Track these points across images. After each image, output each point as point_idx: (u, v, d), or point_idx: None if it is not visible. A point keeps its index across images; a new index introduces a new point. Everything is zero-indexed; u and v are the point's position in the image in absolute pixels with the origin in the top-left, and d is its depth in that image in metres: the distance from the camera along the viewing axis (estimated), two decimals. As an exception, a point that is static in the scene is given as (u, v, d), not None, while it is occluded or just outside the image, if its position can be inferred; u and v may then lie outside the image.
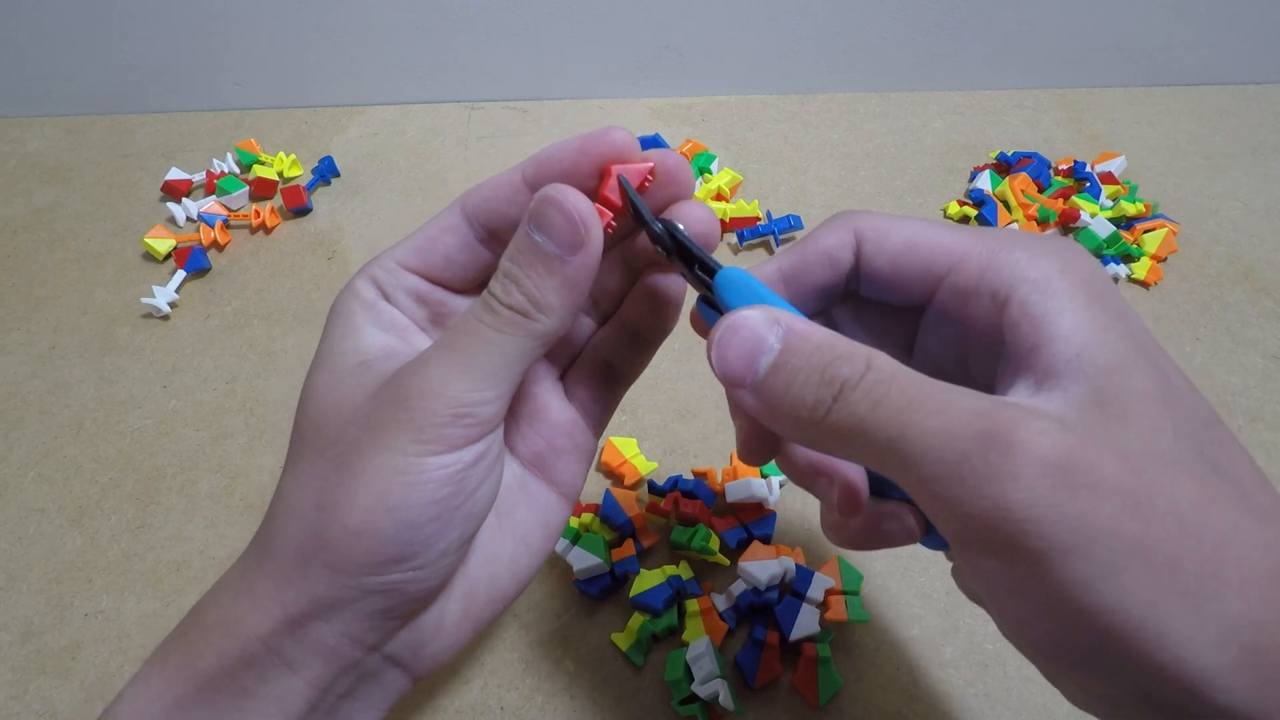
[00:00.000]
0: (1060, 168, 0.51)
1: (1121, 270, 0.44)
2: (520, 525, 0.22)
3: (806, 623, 0.30)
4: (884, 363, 0.16)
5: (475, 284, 0.22)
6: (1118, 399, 0.15)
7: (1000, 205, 0.47)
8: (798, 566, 0.32)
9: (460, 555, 0.20)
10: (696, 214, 0.21)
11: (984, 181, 0.49)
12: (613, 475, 0.36)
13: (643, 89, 0.59)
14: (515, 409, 0.23)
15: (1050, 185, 0.49)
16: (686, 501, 0.34)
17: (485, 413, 0.19)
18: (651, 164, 0.20)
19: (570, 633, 0.32)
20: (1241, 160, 0.52)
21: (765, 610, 0.32)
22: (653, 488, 0.35)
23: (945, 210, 0.49)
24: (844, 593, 0.31)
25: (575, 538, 0.33)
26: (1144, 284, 0.44)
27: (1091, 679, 0.15)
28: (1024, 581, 0.14)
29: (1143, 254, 0.45)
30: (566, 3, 0.54)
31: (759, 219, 0.47)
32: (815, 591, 0.31)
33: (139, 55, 0.56)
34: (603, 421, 0.24)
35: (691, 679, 0.29)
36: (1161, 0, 0.54)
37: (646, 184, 0.21)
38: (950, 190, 0.50)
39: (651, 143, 0.52)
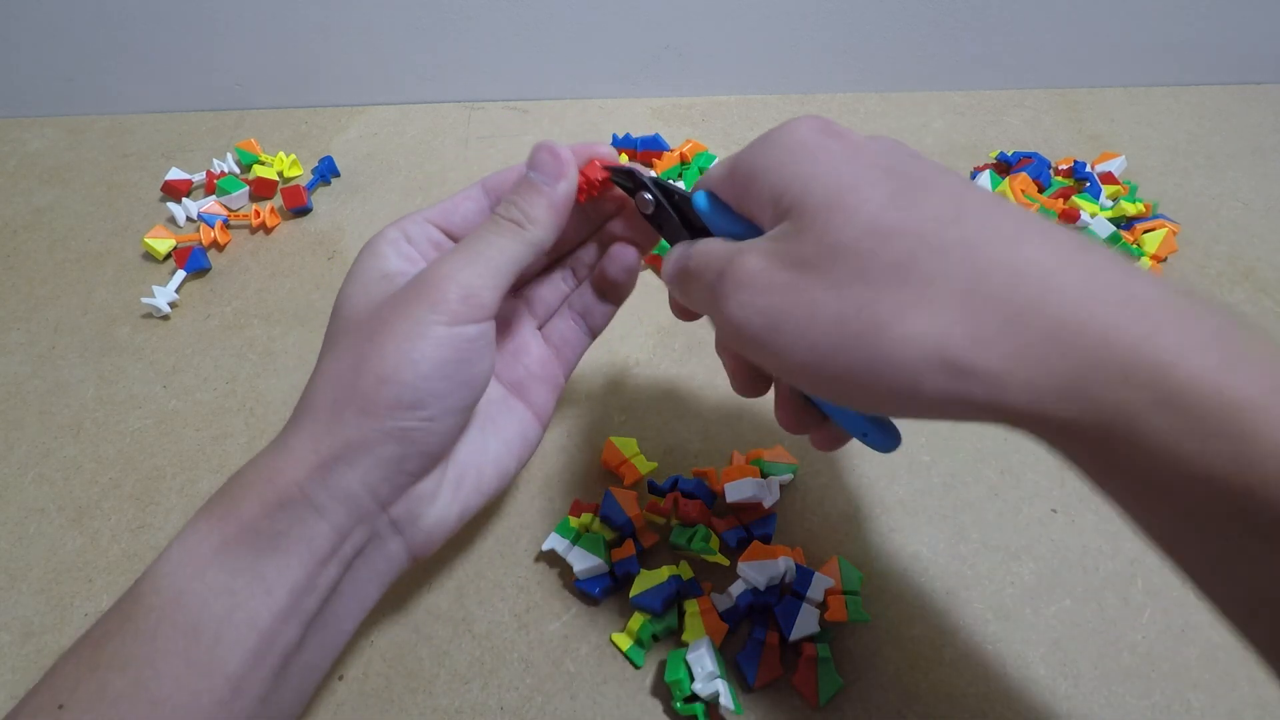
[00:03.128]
0: (1060, 168, 0.51)
1: (1121, 270, 0.44)
2: (502, 430, 0.29)
3: (806, 623, 0.30)
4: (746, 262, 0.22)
5: None
6: (801, 219, 0.20)
7: (1000, 205, 0.47)
8: (798, 566, 0.32)
9: (461, 419, 0.25)
10: (620, 253, 0.30)
11: (984, 181, 0.49)
12: (613, 475, 0.36)
13: (643, 89, 0.59)
14: (502, 345, 0.30)
15: (1050, 185, 0.49)
16: (686, 501, 0.34)
17: (485, 298, 0.24)
18: (626, 167, 0.28)
19: (570, 633, 0.32)
20: (1241, 160, 0.52)
21: (765, 610, 0.32)
22: (653, 488, 0.35)
23: (945, 210, 0.49)
24: (844, 593, 0.31)
25: (575, 538, 0.33)
26: (1144, 284, 0.44)
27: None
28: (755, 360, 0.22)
29: (1143, 254, 0.45)
30: (566, 3, 0.54)
31: (759, 219, 0.47)
32: (815, 591, 0.31)
33: (139, 55, 0.56)
34: (571, 364, 0.31)
35: (691, 679, 0.29)
36: (1161, 0, 0.54)
37: (609, 184, 0.28)
38: (950, 190, 0.50)
39: (652, 142, 0.52)
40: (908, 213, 0.19)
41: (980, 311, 0.17)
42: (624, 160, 0.25)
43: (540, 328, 0.31)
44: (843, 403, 0.21)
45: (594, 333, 0.32)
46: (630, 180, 0.28)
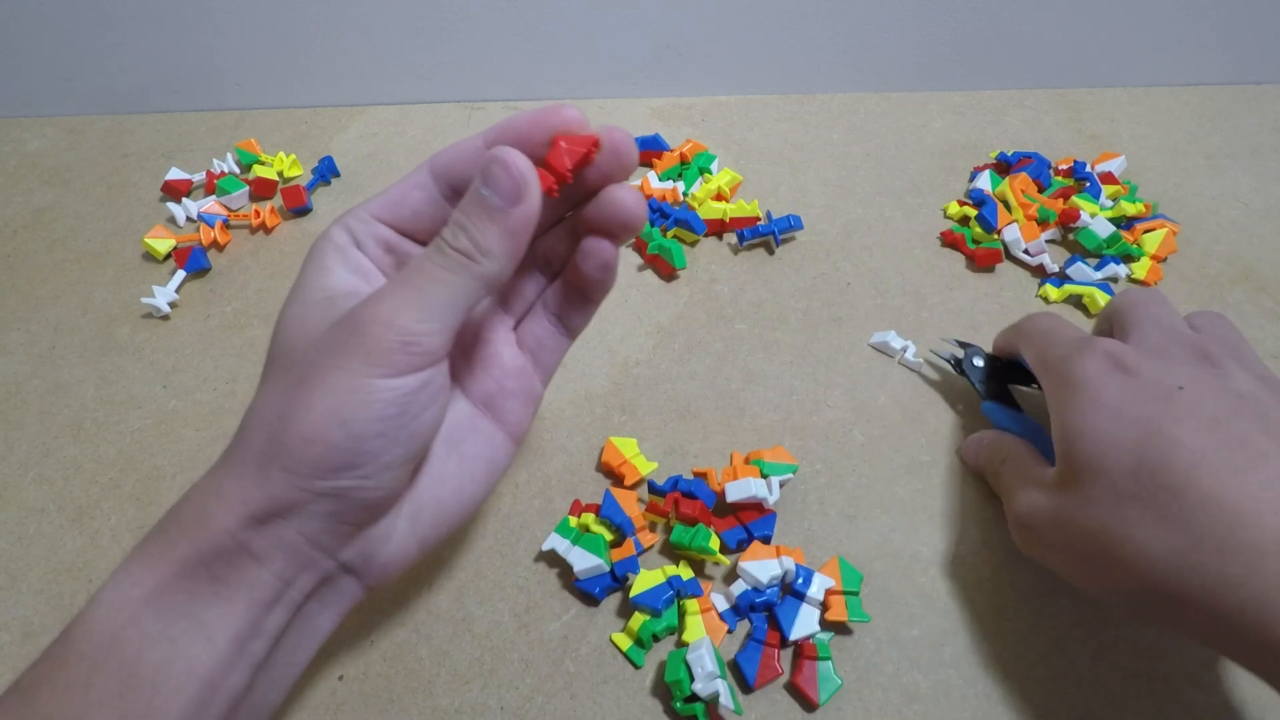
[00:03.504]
0: (1060, 168, 0.51)
1: (1121, 270, 0.44)
2: (467, 457, 0.26)
3: (806, 623, 0.30)
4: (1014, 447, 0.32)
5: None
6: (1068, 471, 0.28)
7: (1000, 205, 0.47)
8: (798, 566, 0.32)
9: (405, 471, 0.23)
10: (626, 197, 0.24)
11: (984, 181, 0.49)
12: (613, 475, 0.36)
13: (643, 89, 0.59)
14: (470, 353, 0.27)
15: (1050, 185, 0.49)
16: (686, 501, 0.34)
17: (430, 344, 0.21)
18: (595, 137, 0.23)
19: (570, 633, 0.32)
20: (1241, 160, 0.52)
21: (765, 610, 0.32)
22: (653, 488, 0.35)
23: (945, 210, 0.49)
24: (844, 593, 0.31)
25: (575, 538, 0.33)
26: (1144, 284, 0.44)
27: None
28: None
29: (1143, 254, 0.45)
30: (566, 3, 0.54)
31: (759, 219, 0.47)
32: (815, 591, 0.31)
33: (139, 55, 0.56)
34: (550, 370, 0.28)
35: (691, 679, 0.29)
36: (1161, 0, 0.54)
37: (590, 157, 0.23)
38: (950, 190, 0.50)
39: (651, 142, 0.52)
40: (1144, 487, 0.25)
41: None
42: (594, 133, 0.24)
43: (515, 327, 0.28)
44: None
45: (573, 334, 0.28)
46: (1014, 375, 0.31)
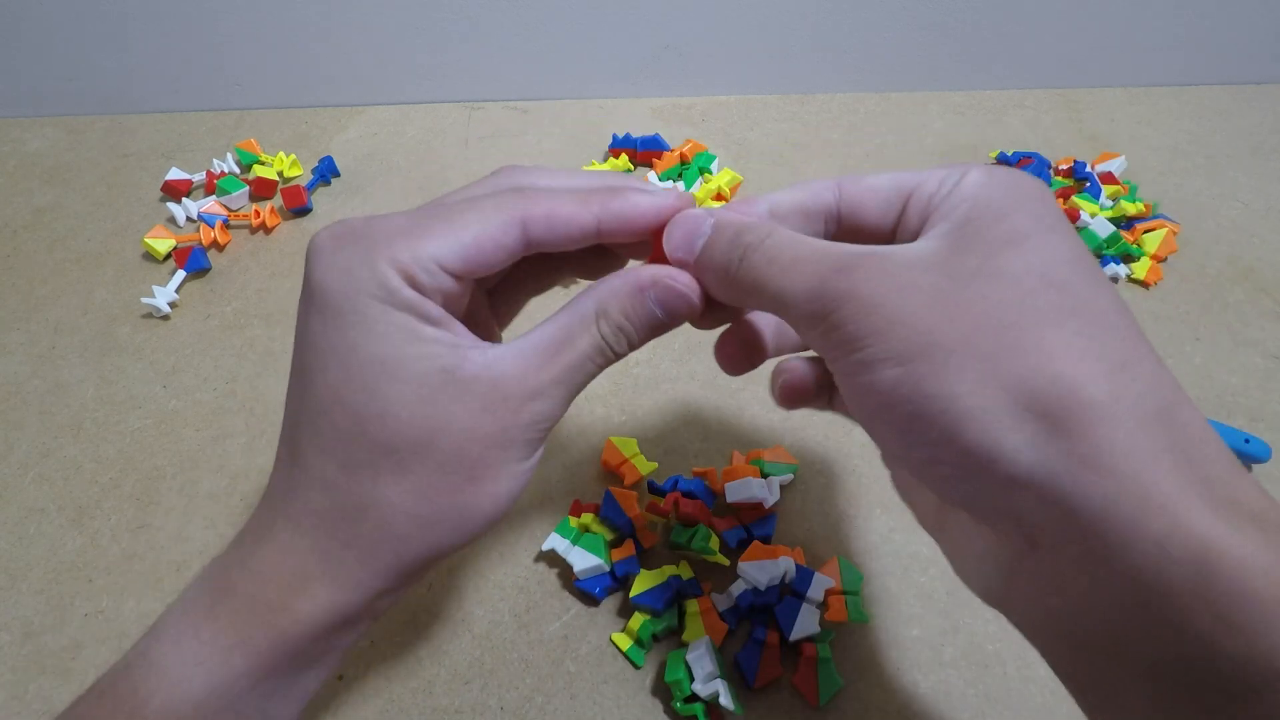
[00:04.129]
0: (1060, 168, 0.51)
1: (1121, 270, 0.44)
2: None
3: (806, 623, 0.30)
4: (782, 234, 0.20)
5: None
6: (968, 236, 0.18)
7: (1000, 205, 0.47)
8: (798, 566, 0.32)
9: None
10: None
11: (984, 181, 0.49)
12: (613, 475, 0.36)
13: (643, 89, 0.59)
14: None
15: (1050, 185, 0.49)
16: (686, 501, 0.34)
17: (557, 420, 0.22)
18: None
19: (570, 633, 0.32)
20: (1241, 160, 0.52)
21: (765, 610, 0.32)
22: (653, 488, 0.35)
23: (945, 210, 0.49)
24: (844, 593, 0.31)
25: (575, 538, 0.33)
26: (1144, 284, 0.44)
27: (910, 451, 0.18)
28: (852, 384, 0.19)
29: (1143, 254, 0.45)
30: (566, 3, 0.54)
31: (759, 219, 0.47)
32: (815, 591, 0.31)
33: (139, 55, 0.56)
34: (506, 322, 0.28)
35: (691, 679, 0.29)
36: (1161, 0, 0.54)
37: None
38: (950, 190, 0.50)
39: (652, 142, 0.52)
40: None
41: None
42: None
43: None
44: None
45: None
46: None
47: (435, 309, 0.20)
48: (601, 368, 0.22)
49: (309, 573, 0.20)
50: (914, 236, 0.20)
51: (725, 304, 0.23)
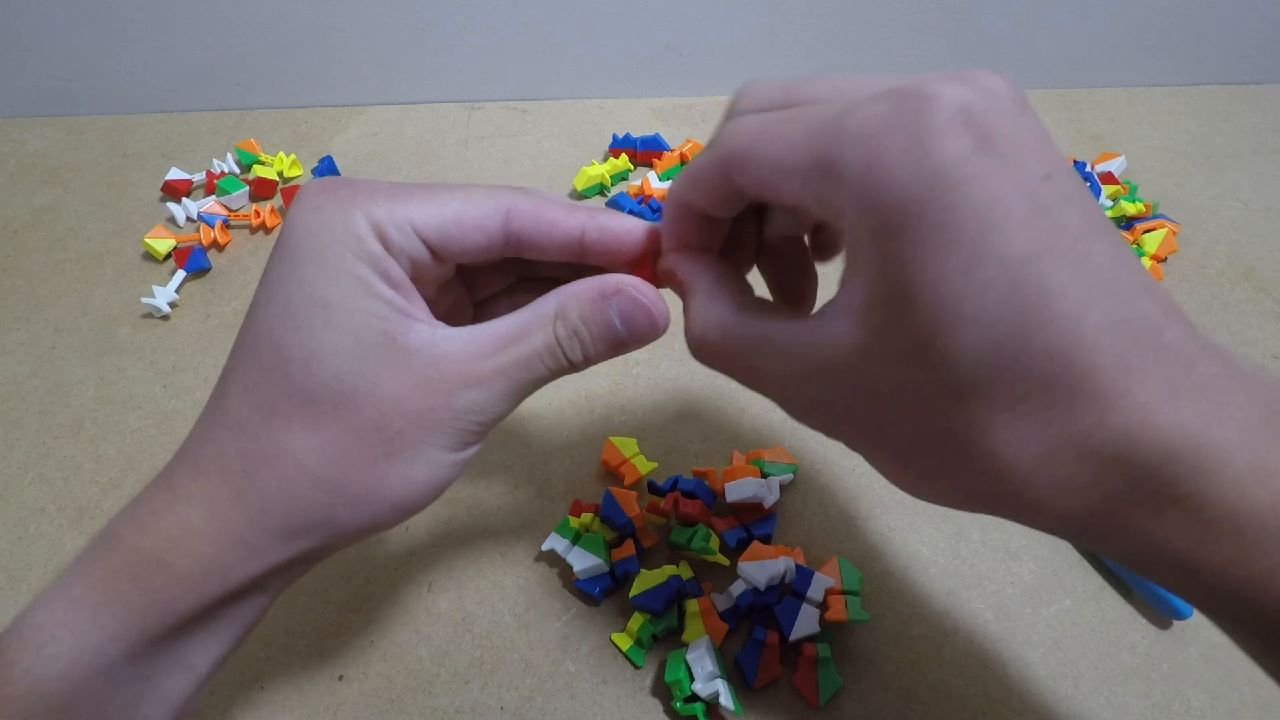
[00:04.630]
0: (1060, 168, 0.51)
1: (1121, 270, 0.44)
2: None
3: (806, 623, 0.30)
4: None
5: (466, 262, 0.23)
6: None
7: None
8: (798, 566, 0.32)
9: None
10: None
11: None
12: (613, 475, 0.36)
13: (643, 89, 0.59)
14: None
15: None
16: (686, 501, 0.34)
17: (498, 421, 0.21)
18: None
19: (570, 633, 0.32)
20: (1241, 160, 0.52)
21: (765, 610, 0.32)
22: (653, 488, 0.35)
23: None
24: (844, 593, 0.31)
25: (575, 538, 0.33)
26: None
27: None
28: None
29: (1143, 254, 0.45)
30: (566, 3, 0.54)
31: (759, 219, 0.47)
32: (815, 591, 0.31)
33: (139, 55, 0.56)
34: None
35: (691, 679, 0.29)
36: (1161, 0, 0.54)
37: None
38: (950, 190, 0.50)
39: (652, 142, 0.52)
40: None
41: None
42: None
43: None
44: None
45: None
46: None
47: (398, 271, 0.20)
48: (553, 372, 0.21)
49: (192, 525, 0.19)
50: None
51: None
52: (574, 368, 0.21)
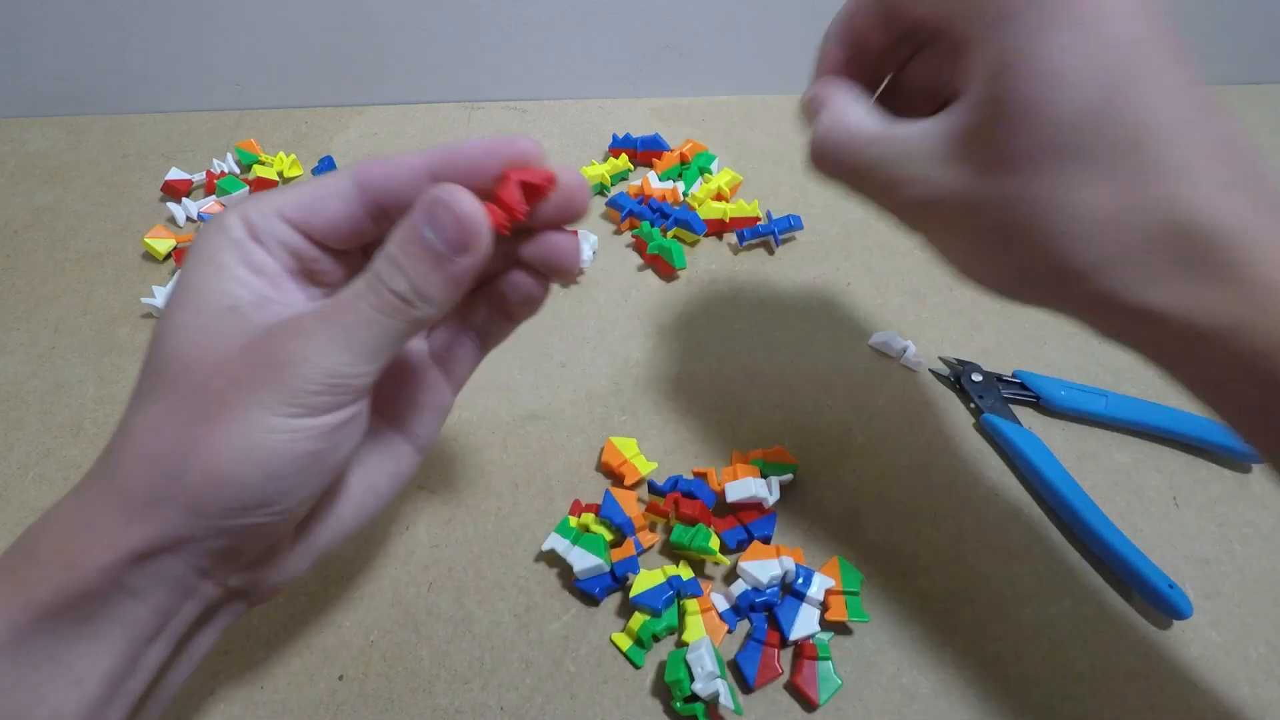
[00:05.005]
0: (1060, 168, 0.51)
1: (1121, 270, 0.44)
2: (370, 472, 0.24)
3: (806, 623, 0.30)
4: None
5: (351, 248, 0.23)
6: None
7: (1000, 205, 0.47)
8: (798, 566, 0.32)
9: (314, 500, 0.21)
10: (567, 245, 0.23)
11: (984, 181, 0.49)
12: (613, 475, 0.36)
13: (643, 89, 0.59)
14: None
15: (1050, 185, 0.49)
16: (686, 501, 0.34)
17: (358, 383, 0.20)
18: (551, 174, 0.22)
19: (570, 633, 0.32)
20: (1241, 160, 0.52)
21: (765, 610, 0.32)
22: (653, 488, 0.35)
23: (945, 210, 0.49)
24: (844, 593, 0.31)
25: (575, 538, 0.33)
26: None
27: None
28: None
29: (1143, 254, 0.45)
30: (566, 3, 0.54)
31: (759, 219, 0.47)
32: (815, 591, 0.31)
33: (139, 55, 0.56)
34: (461, 381, 0.26)
35: (691, 679, 0.29)
36: (1161, 1, 0.54)
37: (544, 194, 0.22)
38: (950, 190, 0.50)
39: (652, 142, 0.52)
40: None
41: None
42: (550, 169, 0.22)
43: (426, 335, 0.26)
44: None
45: (487, 348, 0.27)
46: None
47: (262, 257, 0.21)
48: (384, 311, 0.19)
49: (60, 511, 0.20)
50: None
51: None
52: (409, 304, 0.20)
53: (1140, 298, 0.19)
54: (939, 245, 0.24)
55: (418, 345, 0.26)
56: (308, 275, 0.22)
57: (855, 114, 0.24)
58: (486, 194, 0.21)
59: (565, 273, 0.24)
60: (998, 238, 0.21)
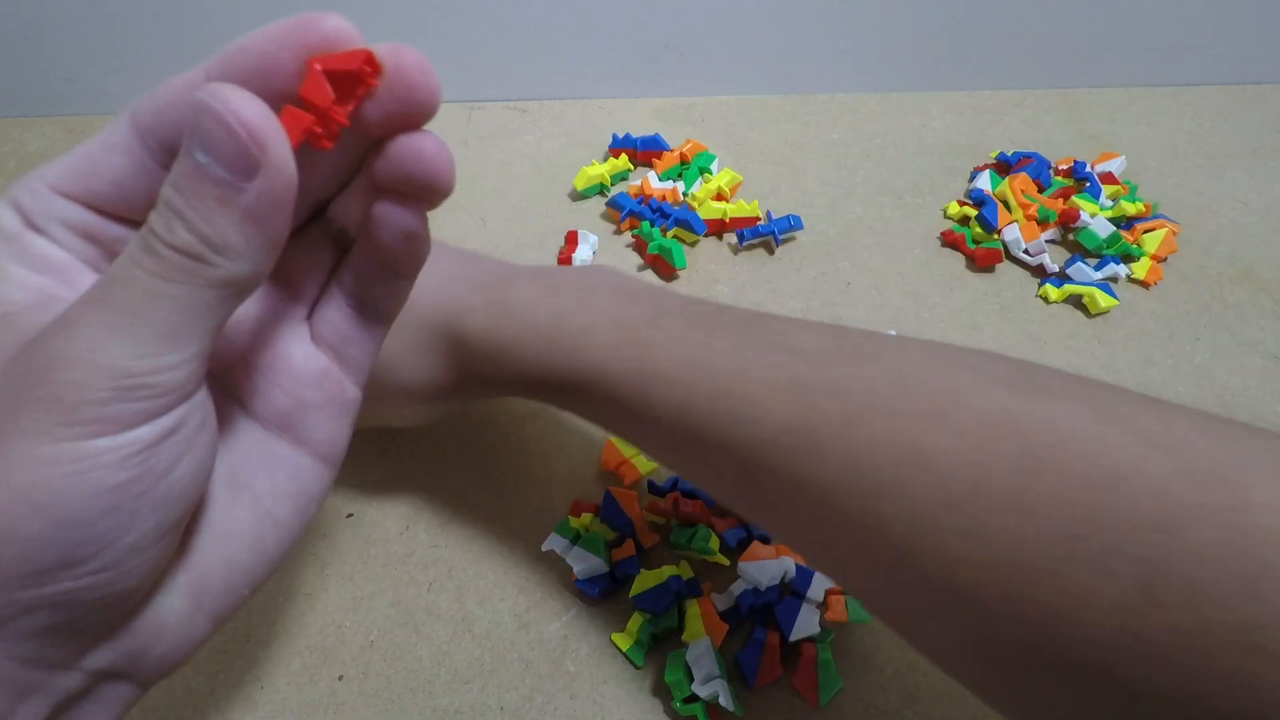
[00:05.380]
0: (1060, 168, 0.51)
1: (1121, 270, 0.44)
2: (263, 498, 0.19)
3: (806, 623, 0.30)
4: None
5: None
6: None
7: (1000, 205, 0.47)
8: (798, 566, 0.32)
9: (166, 546, 0.16)
10: (424, 146, 0.17)
11: (984, 181, 0.49)
12: (613, 475, 0.36)
13: (643, 89, 0.59)
14: (247, 360, 0.19)
15: (1050, 185, 0.49)
16: (686, 501, 0.34)
17: (169, 380, 0.15)
18: (367, 54, 0.15)
19: (570, 633, 0.32)
20: (1241, 160, 0.52)
21: (765, 610, 0.32)
22: (653, 488, 0.35)
23: (945, 210, 0.49)
24: (844, 593, 0.31)
25: (575, 538, 0.33)
26: (1144, 284, 0.44)
27: None
28: None
29: (1143, 254, 0.45)
30: (566, 3, 0.54)
31: (759, 219, 0.47)
32: (815, 591, 0.31)
33: (139, 55, 0.56)
34: (363, 367, 0.20)
35: (691, 679, 0.29)
36: (1161, 0, 0.54)
37: (367, 86, 0.16)
38: (950, 190, 0.50)
39: (652, 142, 0.52)
40: None
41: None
42: (364, 49, 0.16)
43: (308, 317, 0.20)
44: None
45: (385, 318, 0.21)
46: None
47: (47, 250, 0.17)
48: (164, 275, 0.14)
49: None
50: None
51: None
52: (201, 260, 0.14)
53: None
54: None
55: (293, 326, 0.20)
56: (112, 260, 0.17)
57: None
58: (290, 97, 0.15)
59: (431, 186, 0.18)
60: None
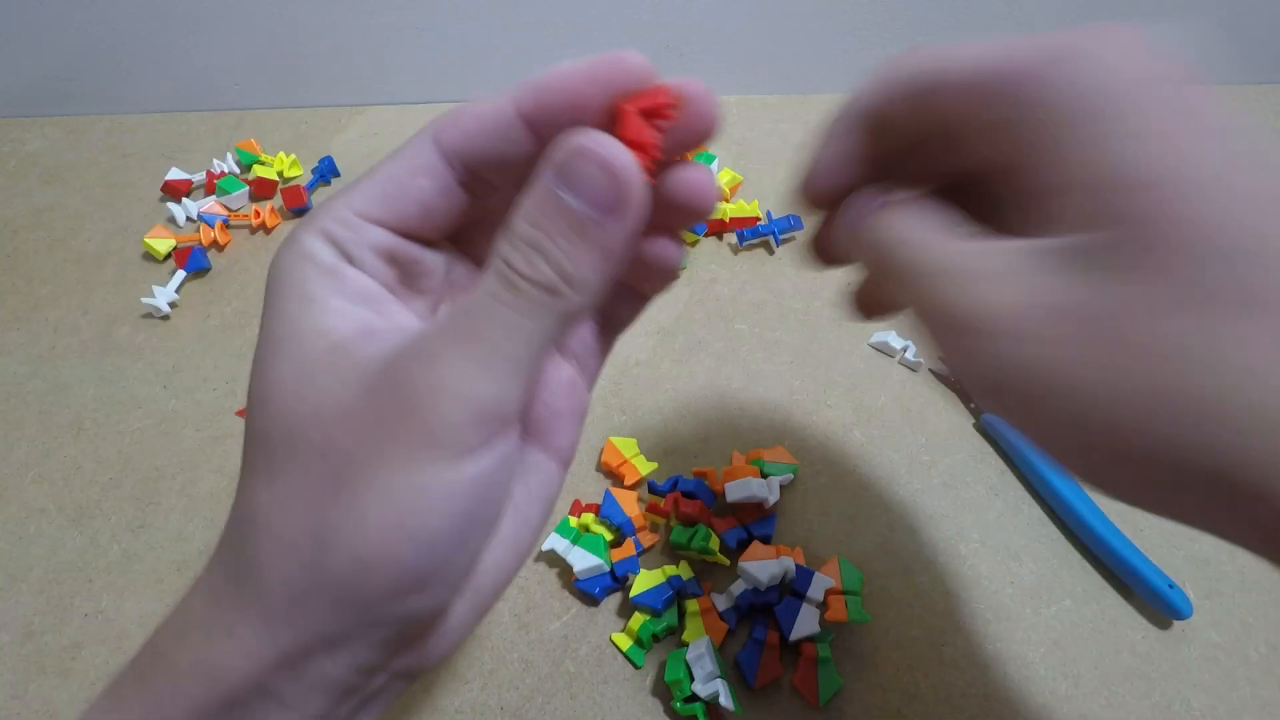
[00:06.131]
0: (1060, 168, 0.51)
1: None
2: (520, 505, 0.20)
3: (806, 623, 0.30)
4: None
5: (451, 234, 0.19)
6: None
7: (1000, 205, 0.47)
8: (798, 566, 0.32)
9: (476, 562, 0.18)
10: (701, 180, 0.19)
11: (984, 181, 0.49)
12: (613, 475, 0.36)
13: (643, 89, 0.59)
14: None
15: (1050, 185, 0.49)
16: (686, 501, 0.34)
17: (509, 409, 0.16)
18: (671, 96, 0.16)
19: (570, 633, 0.32)
20: (1241, 160, 0.52)
21: (765, 610, 0.32)
22: (653, 488, 0.35)
23: (945, 210, 0.49)
24: (844, 593, 0.31)
25: (575, 538, 0.33)
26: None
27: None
28: None
29: (1143, 254, 0.45)
30: (566, 3, 0.54)
31: (759, 219, 0.47)
32: (815, 591, 0.31)
33: (139, 55, 0.56)
34: (595, 376, 0.22)
35: (691, 679, 0.29)
36: (1161, 1, 0.54)
37: (671, 120, 0.17)
38: (950, 190, 0.50)
39: (651, 143, 0.52)
40: None
41: None
42: (662, 85, 0.17)
43: None
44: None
45: (620, 329, 0.22)
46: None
47: (363, 283, 0.17)
48: (523, 312, 0.15)
49: (193, 612, 0.17)
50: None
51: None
52: (556, 294, 0.15)
53: None
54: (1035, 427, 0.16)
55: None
56: (408, 284, 0.19)
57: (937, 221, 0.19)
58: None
59: (702, 213, 0.19)
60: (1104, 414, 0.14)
